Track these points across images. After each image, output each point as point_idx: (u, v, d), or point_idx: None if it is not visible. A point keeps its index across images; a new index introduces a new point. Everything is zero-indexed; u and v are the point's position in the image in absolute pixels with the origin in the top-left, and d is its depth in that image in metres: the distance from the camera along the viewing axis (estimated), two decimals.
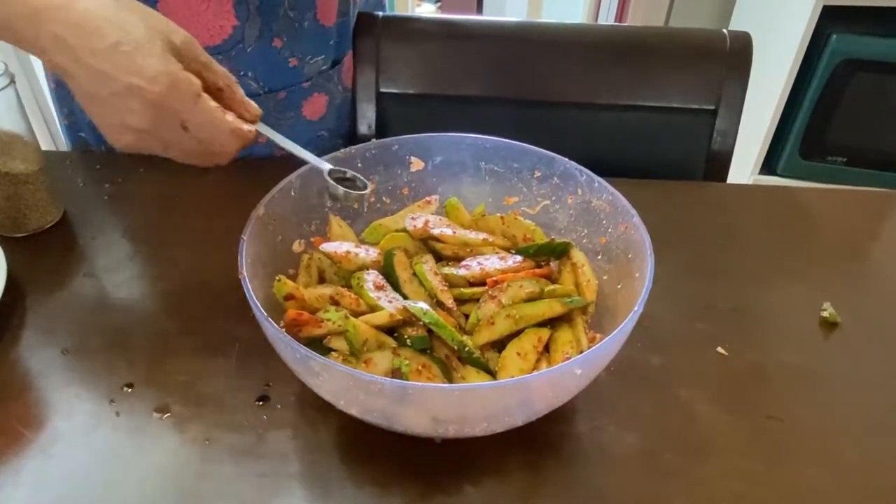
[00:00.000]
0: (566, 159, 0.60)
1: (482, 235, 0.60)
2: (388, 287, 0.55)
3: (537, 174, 0.62)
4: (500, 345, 0.52)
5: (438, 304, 0.54)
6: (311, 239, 0.60)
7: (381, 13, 0.93)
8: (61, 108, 0.87)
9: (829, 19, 1.48)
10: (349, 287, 0.55)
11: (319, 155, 0.57)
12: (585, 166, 0.59)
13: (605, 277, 0.56)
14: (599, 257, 0.58)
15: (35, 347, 0.58)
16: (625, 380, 0.55)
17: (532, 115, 0.94)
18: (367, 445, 0.50)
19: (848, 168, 1.66)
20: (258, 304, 0.45)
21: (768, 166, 1.73)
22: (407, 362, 0.48)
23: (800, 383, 0.56)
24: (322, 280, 0.58)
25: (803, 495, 0.48)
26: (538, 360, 0.51)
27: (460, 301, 0.55)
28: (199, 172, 0.58)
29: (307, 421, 0.52)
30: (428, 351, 0.50)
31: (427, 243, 0.60)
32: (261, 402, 0.53)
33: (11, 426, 0.51)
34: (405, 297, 0.54)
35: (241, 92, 0.54)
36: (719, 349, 0.59)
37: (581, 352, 0.50)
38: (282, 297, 0.52)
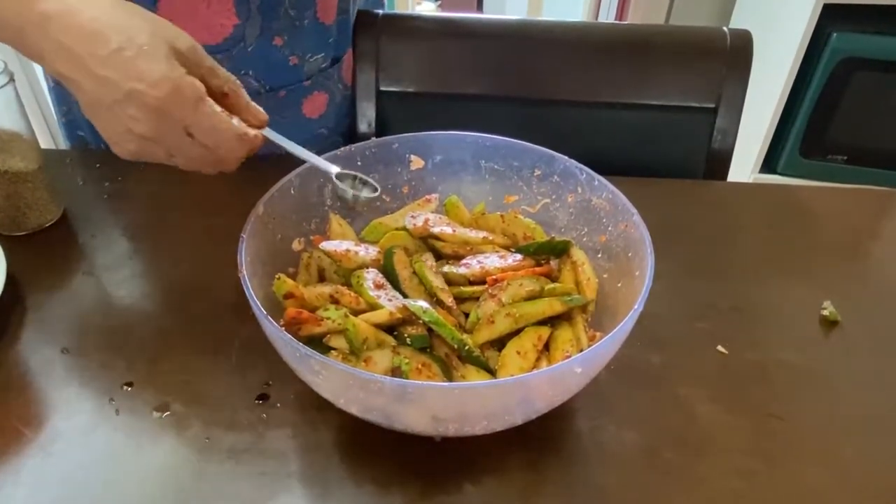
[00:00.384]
0: (566, 158, 0.59)
1: (482, 234, 0.60)
2: (388, 285, 0.55)
3: (537, 172, 0.62)
4: (500, 343, 0.52)
5: (438, 303, 0.54)
6: (311, 237, 0.60)
7: (380, 11, 0.93)
8: (60, 106, 0.87)
9: (829, 18, 1.48)
10: (349, 285, 0.55)
11: (319, 153, 0.57)
12: (585, 165, 0.59)
13: (605, 276, 0.56)
14: (599, 256, 0.58)
15: (35, 346, 0.57)
16: (625, 378, 0.55)
17: (532, 114, 0.94)
18: (366, 444, 0.50)
19: (848, 166, 1.66)
20: (258, 302, 0.45)
21: (769, 165, 1.73)
22: (407, 361, 0.48)
23: (800, 382, 0.56)
24: (322, 278, 0.58)
25: (803, 494, 0.48)
26: (538, 359, 0.51)
27: (460, 299, 0.55)
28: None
29: (307, 420, 0.52)
30: (428, 349, 0.50)
31: (427, 242, 0.60)
32: (260, 401, 0.53)
33: (11, 425, 0.51)
34: (405, 296, 0.54)
35: (246, 97, 0.53)
36: (719, 348, 0.59)
37: (581, 350, 0.50)
38: (281, 296, 0.52)
